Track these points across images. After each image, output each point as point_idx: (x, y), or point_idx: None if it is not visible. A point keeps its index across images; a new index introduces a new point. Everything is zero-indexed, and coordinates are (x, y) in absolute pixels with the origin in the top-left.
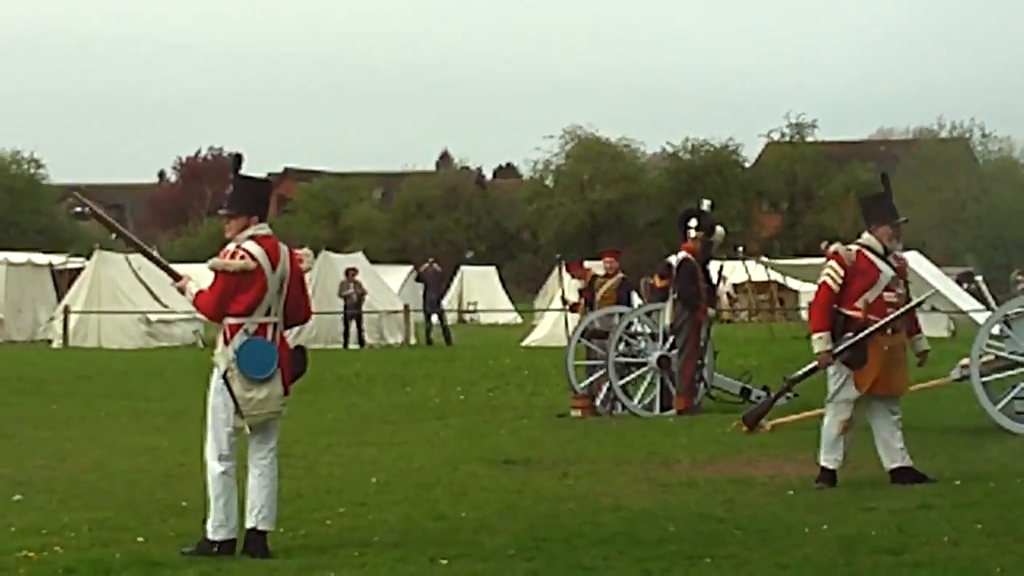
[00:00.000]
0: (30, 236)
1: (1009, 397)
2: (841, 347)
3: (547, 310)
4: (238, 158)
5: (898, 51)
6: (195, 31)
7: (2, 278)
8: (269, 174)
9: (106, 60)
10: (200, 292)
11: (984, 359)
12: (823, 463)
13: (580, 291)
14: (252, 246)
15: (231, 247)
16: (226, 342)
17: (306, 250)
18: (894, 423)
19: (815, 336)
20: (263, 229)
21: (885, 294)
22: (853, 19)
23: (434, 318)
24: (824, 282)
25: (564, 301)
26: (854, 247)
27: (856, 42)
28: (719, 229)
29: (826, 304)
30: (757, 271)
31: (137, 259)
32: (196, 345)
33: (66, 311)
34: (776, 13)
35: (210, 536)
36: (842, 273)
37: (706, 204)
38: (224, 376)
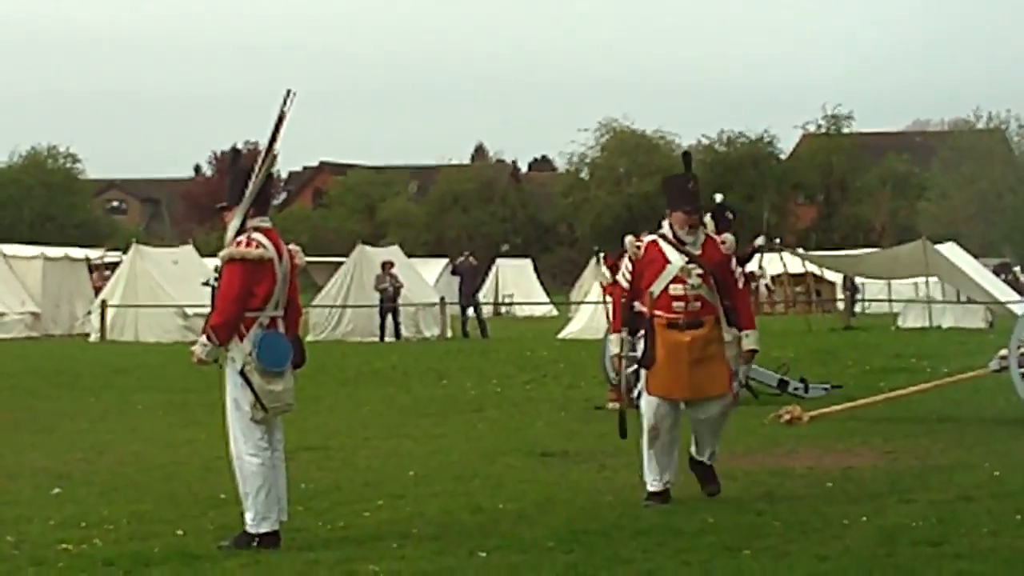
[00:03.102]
0: (67, 230)
1: None
2: (641, 348)
3: (583, 303)
4: (236, 152)
5: (934, 42)
6: (231, 27)
7: (39, 272)
8: (304, 168)
9: (142, 56)
10: (221, 293)
11: (1023, 350)
12: (647, 485)
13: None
14: (261, 237)
15: (242, 237)
16: (240, 337)
17: (295, 246)
18: (704, 425)
19: (610, 338)
20: (266, 222)
21: (672, 286)
22: (889, 10)
23: (470, 311)
24: (618, 280)
25: (604, 288)
26: (648, 237)
27: (892, 33)
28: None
29: (617, 304)
30: (793, 263)
31: (174, 253)
32: None
33: (103, 305)
34: (812, 4)
35: (251, 530)
36: (631, 267)
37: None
38: (242, 370)
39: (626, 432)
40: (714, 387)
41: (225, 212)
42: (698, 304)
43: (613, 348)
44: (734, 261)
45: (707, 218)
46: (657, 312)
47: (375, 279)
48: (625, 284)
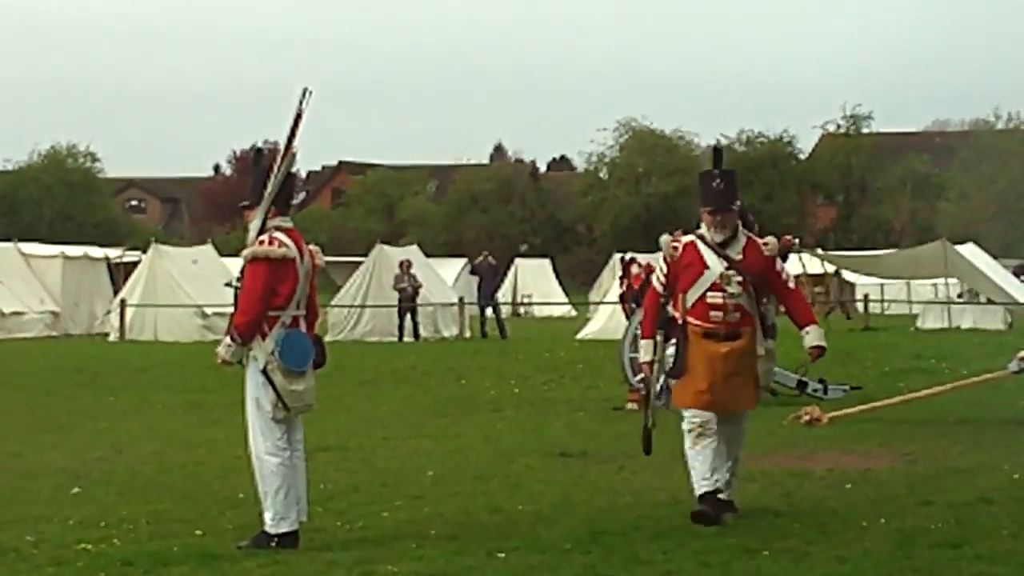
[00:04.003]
0: (86, 229)
1: None
2: (671, 357)
3: (602, 303)
4: (258, 152)
5: (954, 42)
6: (251, 25)
7: (59, 272)
8: (324, 167)
9: (161, 54)
10: (244, 292)
11: None
12: (695, 489)
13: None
14: (283, 236)
15: (264, 236)
16: (263, 336)
17: (314, 247)
18: (727, 448)
19: (640, 343)
20: (287, 222)
21: (709, 294)
22: (909, 10)
23: (488, 311)
24: (651, 283)
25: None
26: (686, 238)
27: (912, 33)
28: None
29: (650, 308)
30: (813, 263)
31: (193, 252)
32: None
33: (122, 304)
34: (832, 3)
35: (270, 530)
36: (666, 270)
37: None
38: (264, 369)
39: (651, 448)
40: (740, 403)
41: (247, 210)
42: (737, 314)
43: (644, 356)
44: (778, 261)
45: None
46: (693, 320)
47: (394, 279)
48: (659, 287)
